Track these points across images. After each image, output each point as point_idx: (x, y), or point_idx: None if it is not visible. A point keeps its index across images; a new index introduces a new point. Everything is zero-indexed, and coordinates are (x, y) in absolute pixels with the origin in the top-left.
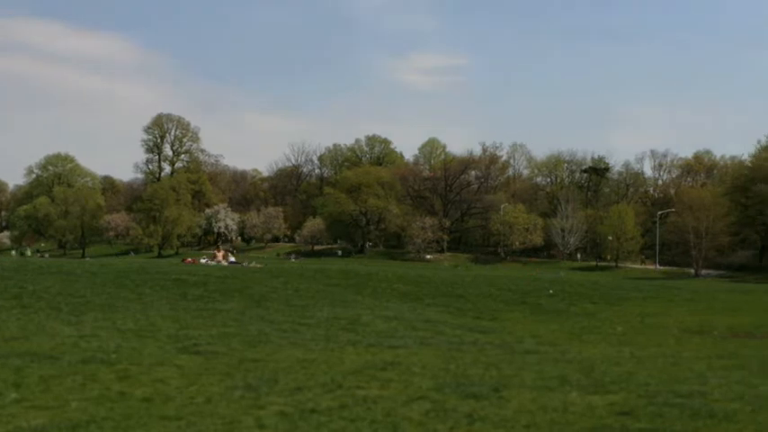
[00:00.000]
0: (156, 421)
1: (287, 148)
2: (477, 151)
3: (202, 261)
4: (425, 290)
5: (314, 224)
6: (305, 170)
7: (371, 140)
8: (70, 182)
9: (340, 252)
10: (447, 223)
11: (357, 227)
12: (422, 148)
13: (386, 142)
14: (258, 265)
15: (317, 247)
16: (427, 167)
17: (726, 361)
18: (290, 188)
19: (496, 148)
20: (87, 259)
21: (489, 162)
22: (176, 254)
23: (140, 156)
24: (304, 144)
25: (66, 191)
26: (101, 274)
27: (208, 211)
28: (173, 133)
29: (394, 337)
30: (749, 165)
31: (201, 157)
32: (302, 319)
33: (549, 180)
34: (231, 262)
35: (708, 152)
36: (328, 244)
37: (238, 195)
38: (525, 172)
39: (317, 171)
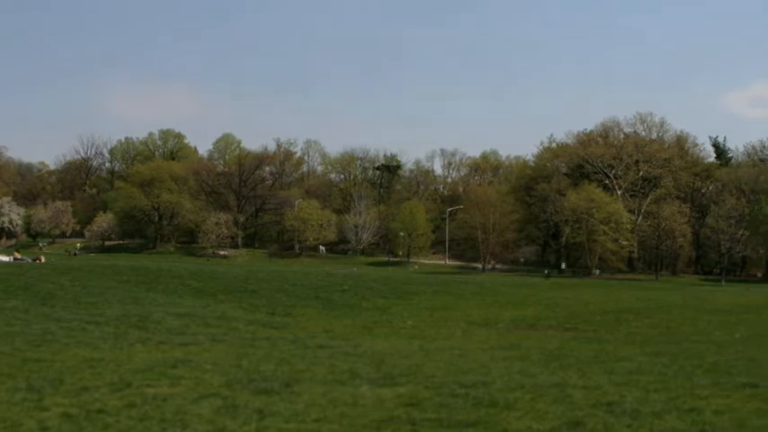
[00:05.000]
0: None
1: (76, 140)
2: (272, 147)
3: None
4: (219, 286)
5: (105, 219)
6: (95, 163)
7: (165, 134)
8: None
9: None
10: (241, 219)
11: (150, 222)
12: (216, 144)
13: (179, 136)
14: (42, 261)
15: (107, 243)
16: (222, 163)
17: (508, 352)
18: (80, 182)
19: (291, 144)
20: None
21: (284, 158)
22: None
23: None
24: (94, 136)
25: None
26: None
27: None
28: None
29: (185, 333)
30: (532, 165)
31: None
32: (91, 316)
33: (342, 177)
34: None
35: (494, 152)
36: (120, 239)
37: (24, 189)
38: (319, 168)
39: (107, 165)
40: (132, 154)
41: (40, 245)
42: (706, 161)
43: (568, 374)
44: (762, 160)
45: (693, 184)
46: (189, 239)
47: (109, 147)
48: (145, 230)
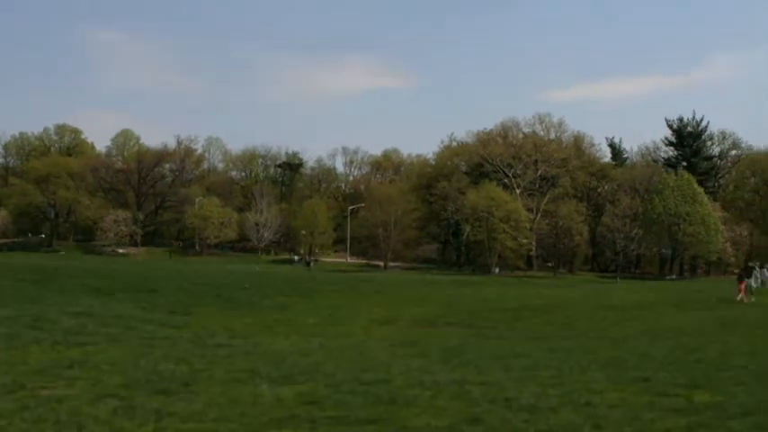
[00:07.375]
0: None
1: None
2: (173, 144)
3: None
4: (117, 285)
5: None
6: None
7: (61, 129)
8: None
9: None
10: (141, 217)
11: (46, 219)
12: (115, 140)
13: (76, 132)
14: None
15: (1, 241)
16: (120, 159)
17: (409, 349)
18: None
19: (191, 141)
20: None
21: (184, 155)
22: None
23: None
24: None
25: None
26: None
27: None
28: None
29: (82, 333)
30: (433, 164)
31: None
32: None
33: (244, 174)
34: None
35: (396, 150)
36: (14, 237)
37: None
38: (220, 166)
39: (1, 160)
40: (27, 149)
41: None
42: (602, 161)
43: (467, 371)
44: (655, 161)
45: (590, 183)
46: (87, 237)
47: (2, 141)
48: (41, 228)
